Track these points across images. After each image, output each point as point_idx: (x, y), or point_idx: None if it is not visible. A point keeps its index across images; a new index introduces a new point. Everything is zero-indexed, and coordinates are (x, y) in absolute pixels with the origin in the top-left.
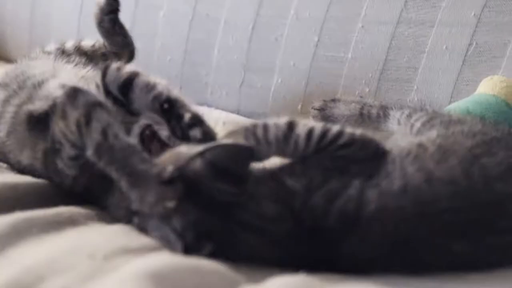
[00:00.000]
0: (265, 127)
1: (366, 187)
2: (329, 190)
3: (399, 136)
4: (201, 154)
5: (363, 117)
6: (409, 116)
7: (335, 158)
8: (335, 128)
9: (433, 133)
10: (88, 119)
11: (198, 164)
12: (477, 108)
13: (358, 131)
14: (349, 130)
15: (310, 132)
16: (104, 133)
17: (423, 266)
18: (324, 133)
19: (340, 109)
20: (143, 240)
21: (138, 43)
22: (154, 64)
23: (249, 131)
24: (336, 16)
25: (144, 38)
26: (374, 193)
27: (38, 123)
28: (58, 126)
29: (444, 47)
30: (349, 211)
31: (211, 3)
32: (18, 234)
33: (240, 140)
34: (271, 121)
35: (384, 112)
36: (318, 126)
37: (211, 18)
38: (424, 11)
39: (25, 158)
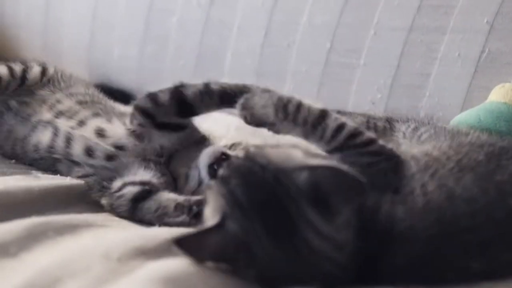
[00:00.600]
0: (298, 106)
1: (396, 202)
2: (366, 207)
3: (407, 147)
4: (311, 168)
5: (369, 130)
6: (415, 129)
7: (359, 163)
8: (368, 134)
9: (442, 144)
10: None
11: (302, 176)
12: (489, 117)
13: (389, 145)
14: (381, 142)
15: (340, 127)
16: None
17: (443, 283)
18: (355, 134)
19: None
20: (158, 242)
21: (151, 48)
22: (167, 69)
23: (281, 103)
24: (349, 22)
25: (157, 42)
26: (403, 211)
27: None
28: None
29: (457, 54)
30: (386, 228)
31: (224, 8)
32: (34, 238)
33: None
34: (306, 102)
35: (390, 124)
36: (350, 124)
37: (224, 23)
38: (437, 18)
39: None
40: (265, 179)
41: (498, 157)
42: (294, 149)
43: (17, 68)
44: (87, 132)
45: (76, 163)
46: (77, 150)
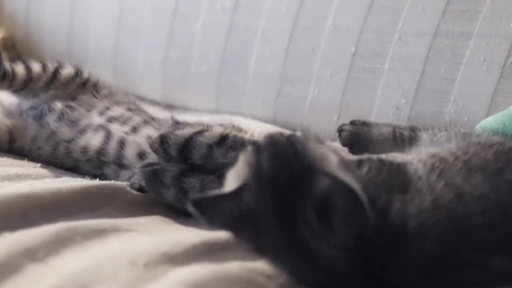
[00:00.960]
0: None
1: (406, 201)
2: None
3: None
4: (335, 180)
5: (396, 140)
6: (434, 135)
7: None
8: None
9: (451, 145)
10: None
11: (323, 182)
12: None
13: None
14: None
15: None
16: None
17: (464, 283)
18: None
19: (375, 133)
20: (185, 247)
21: (175, 53)
22: (191, 74)
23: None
24: (373, 27)
25: (181, 48)
26: (413, 208)
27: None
28: None
29: (482, 58)
30: (397, 227)
31: (248, 13)
32: (61, 243)
33: None
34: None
35: (414, 133)
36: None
37: (248, 28)
38: (462, 23)
39: None
40: (293, 166)
41: (508, 156)
42: (333, 153)
43: (51, 65)
44: (141, 138)
45: (125, 167)
46: (130, 154)
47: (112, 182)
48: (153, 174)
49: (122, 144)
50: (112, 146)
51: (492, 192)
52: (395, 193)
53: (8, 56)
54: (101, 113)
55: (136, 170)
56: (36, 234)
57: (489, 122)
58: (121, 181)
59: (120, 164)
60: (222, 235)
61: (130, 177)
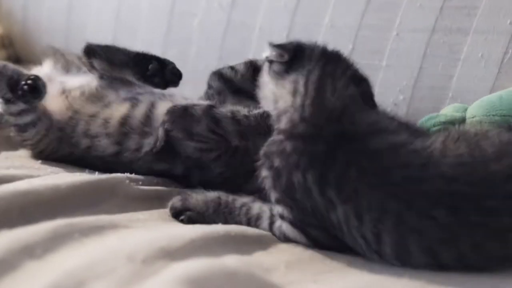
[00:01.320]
0: None
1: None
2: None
3: None
4: None
5: None
6: None
7: None
8: None
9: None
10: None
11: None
12: (510, 94)
13: None
14: None
15: None
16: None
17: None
18: None
19: None
20: (183, 242)
21: (173, 50)
22: (189, 71)
23: None
24: (371, 24)
25: (179, 45)
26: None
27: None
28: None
29: (480, 55)
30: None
31: (246, 10)
32: (59, 239)
33: None
34: None
35: None
36: None
37: (246, 25)
38: (459, 19)
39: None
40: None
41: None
42: None
43: None
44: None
45: (148, 135)
46: (160, 112)
47: (112, 176)
48: (183, 110)
49: (151, 106)
50: (140, 111)
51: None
52: None
53: (5, 54)
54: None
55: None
56: (34, 231)
57: (488, 96)
58: (144, 151)
59: (144, 132)
60: (220, 229)
61: (155, 142)
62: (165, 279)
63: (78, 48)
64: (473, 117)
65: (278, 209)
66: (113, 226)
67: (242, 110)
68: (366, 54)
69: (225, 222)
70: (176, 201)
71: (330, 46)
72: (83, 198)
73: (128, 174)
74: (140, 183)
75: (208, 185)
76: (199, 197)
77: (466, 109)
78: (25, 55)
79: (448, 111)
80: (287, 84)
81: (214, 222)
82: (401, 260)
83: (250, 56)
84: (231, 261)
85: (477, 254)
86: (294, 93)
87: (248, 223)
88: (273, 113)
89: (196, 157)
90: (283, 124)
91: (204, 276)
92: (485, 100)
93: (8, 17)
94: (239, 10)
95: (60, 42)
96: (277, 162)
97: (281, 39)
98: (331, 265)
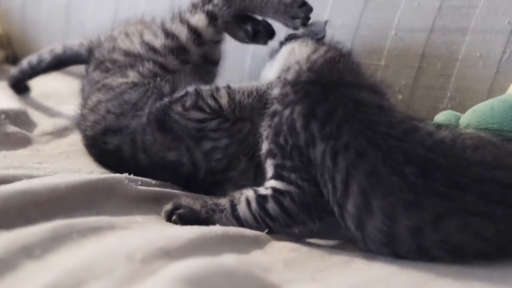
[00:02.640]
0: None
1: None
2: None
3: None
4: None
5: None
6: None
7: None
8: None
9: None
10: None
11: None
12: (502, 106)
13: None
14: None
15: None
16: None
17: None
18: None
19: None
20: (181, 242)
21: None
22: None
23: None
24: (369, 23)
25: None
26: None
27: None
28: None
29: (478, 54)
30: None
31: None
32: (58, 240)
33: None
34: None
35: None
36: None
37: None
38: (458, 19)
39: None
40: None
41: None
42: None
43: None
44: None
45: None
46: None
47: (111, 175)
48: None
49: None
50: None
51: None
52: None
53: (4, 54)
54: None
55: None
56: (33, 231)
57: (481, 104)
58: None
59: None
60: (217, 229)
61: None
62: (164, 278)
63: None
64: (465, 126)
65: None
66: (111, 227)
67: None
68: (365, 53)
69: (212, 215)
70: (167, 205)
71: None
72: (82, 198)
73: (127, 175)
74: (139, 183)
75: (213, 187)
76: (189, 197)
77: (459, 118)
78: (23, 54)
79: (441, 118)
80: (311, 44)
81: (205, 217)
82: (359, 221)
83: (248, 58)
84: (229, 260)
85: (437, 232)
86: (314, 51)
87: (232, 208)
88: (283, 67)
89: (198, 135)
90: (290, 74)
91: (203, 276)
92: (477, 111)
93: (6, 16)
94: None
95: (58, 40)
96: (275, 106)
97: (280, 38)
98: (330, 262)
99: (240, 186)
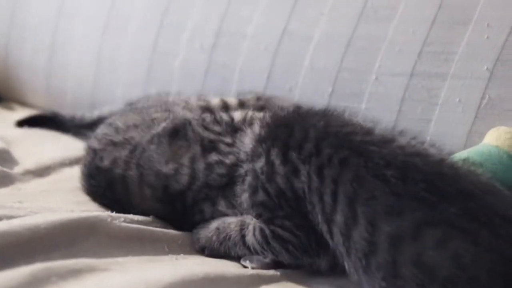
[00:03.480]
0: None
1: None
2: None
3: None
4: None
5: None
6: None
7: None
8: None
9: None
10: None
11: None
12: (477, 158)
13: None
14: None
15: None
16: None
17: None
18: None
19: None
20: (162, 286)
21: (154, 89)
22: None
23: None
24: (350, 67)
25: (160, 84)
26: None
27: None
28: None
29: (457, 99)
30: None
31: (226, 52)
32: (37, 284)
33: None
34: None
35: None
36: None
37: (227, 66)
38: (437, 64)
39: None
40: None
41: None
42: None
43: None
44: None
45: None
46: None
47: (92, 214)
48: None
49: None
50: None
51: None
52: None
53: None
54: None
55: None
56: (12, 276)
57: (457, 156)
58: None
59: None
60: (198, 272)
61: None
62: None
63: (59, 87)
64: None
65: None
66: (91, 269)
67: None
68: (346, 96)
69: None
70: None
71: (310, 88)
72: (62, 238)
73: (109, 212)
74: (122, 219)
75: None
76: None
77: None
78: (5, 94)
79: None
80: None
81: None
82: (346, 230)
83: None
84: None
85: (414, 244)
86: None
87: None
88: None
89: (210, 146)
90: (247, 146)
91: None
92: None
93: None
94: (220, 51)
95: (42, 80)
96: (243, 168)
97: (262, 80)
98: None
99: (232, 204)
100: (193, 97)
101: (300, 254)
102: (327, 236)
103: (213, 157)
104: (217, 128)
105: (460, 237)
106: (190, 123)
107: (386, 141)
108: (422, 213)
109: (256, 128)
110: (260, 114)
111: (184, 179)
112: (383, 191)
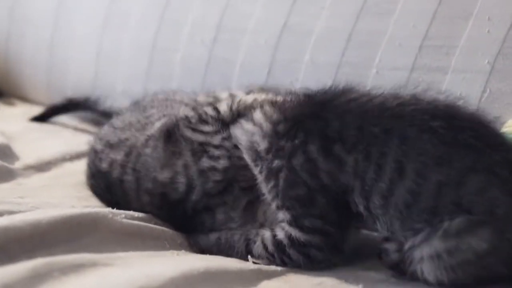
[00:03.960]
0: None
1: None
2: None
3: None
4: None
5: None
6: None
7: None
8: None
9: None
10: None
11: None
12: None
13: None
14: None
15: None
16: None
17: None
18: None
19: None
20: (163, 280)
21: (154, 85)
22: None
23: None
24: (351, 61)
25: (160, 79)
26: None
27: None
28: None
29: (458, 93)
30: None
31: (227, 47)
32: (38, 279)
33: None
34: None
35: None
36: None
37: (227, 61)
38: (438, 58)
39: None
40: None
41: None
42: None
43: None
44: None
45: None
46: None
47: (94, 210)
48: None
49: None
50: None
51: None
52: None
53: None
54: None
55: None
56: (13, 270)
57: None
58: None
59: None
60: (199, 266)
61: None
62: None
63: (59, 82)
64: None
65: (280, 215)
66: (93, 264)
67: None
68: None
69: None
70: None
71: (311, 82)
72: (64, 233)
73: (110, 209)
74: (123, 216)
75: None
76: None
77: None
78: (6, 89)
79: None
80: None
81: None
82: (387, 190)
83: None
84: None
85: (458, 190)
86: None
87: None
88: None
89: (200, 150)
90: (261, 137)
91: None
92: None
93: None
94: (221, 46)
95: (42, 76)
96: (275, 163)
97: (262, 75)
98: None
99: (230, 216)
100: (201, 94)
101: (324, 254)
102: (362, 209)
103: (205, 163)
104: (205, 127)
105: (499, 185)
106: (178, 126)
107: (418, 98)
108: (469, 159)
109: (269, 121)
110: (268, 97)
111: (181, 187)
112: (432, 143)
